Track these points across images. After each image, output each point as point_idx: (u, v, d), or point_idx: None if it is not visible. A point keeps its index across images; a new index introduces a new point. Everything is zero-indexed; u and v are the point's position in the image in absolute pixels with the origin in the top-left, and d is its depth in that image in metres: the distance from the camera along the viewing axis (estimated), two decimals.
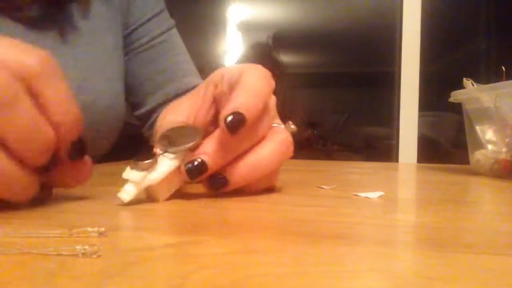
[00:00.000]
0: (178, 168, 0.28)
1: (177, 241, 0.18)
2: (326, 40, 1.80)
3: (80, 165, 0.26)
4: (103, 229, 0.18)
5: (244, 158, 0.29)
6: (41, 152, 0.23)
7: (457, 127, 1.45)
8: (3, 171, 0.22)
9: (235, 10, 1.86)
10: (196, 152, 0.28)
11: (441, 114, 1.60)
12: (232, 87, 0.31)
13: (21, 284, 0.13)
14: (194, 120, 0.33)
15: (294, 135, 0.33)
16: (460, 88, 0.59)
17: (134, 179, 0.26)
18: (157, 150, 0.28)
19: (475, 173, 0.56)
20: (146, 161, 0.27)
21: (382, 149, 1.67)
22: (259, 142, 0.30)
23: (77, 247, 0.15)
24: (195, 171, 0.28)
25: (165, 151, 0.28)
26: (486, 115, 0.55)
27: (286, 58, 1.80)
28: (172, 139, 0.29)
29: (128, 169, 0.27)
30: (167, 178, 0.28)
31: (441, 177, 0.52)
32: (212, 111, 0.34)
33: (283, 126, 0.32)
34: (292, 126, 0.33)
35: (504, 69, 0.55)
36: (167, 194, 0.28)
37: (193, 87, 0.38)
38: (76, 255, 0.15)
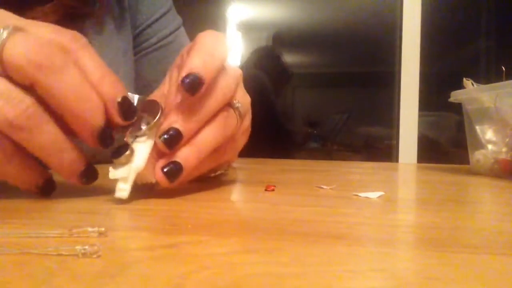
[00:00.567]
0: (156, 145, 0.28)
1: (177, 241, 0.18)
2: (326, 40, 1.80)
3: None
4: (103, 229, 0.18)
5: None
6: (94, 113, 0.26)
7: (457, 127, 1.46)
8: (55, 140, 0.25)
9: (235, 10, 1.86)
10: (167, 123, 0.28)
11: (441, 114, 1.60)
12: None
13: (21, 284, 0.13)
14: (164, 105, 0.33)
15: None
16: (460, 88, 0.59)
17: (122, 175, 0.26)
18: (127, 139, 0.28)
19: (475, 173, 0.56)
20: (124, 155, 0.27)
21: (382, 149, 1.68)
22: (224, 103, 0.30)
23: (77, 247, 0.15)
24: (172, 141, 0.27)
25: (136, 137, 0.28)
26: (486, 115, 0.55)
27: (286, 58, 1.80)
28: (141, 118, 0.29)
29: (111, 169, 0.27)
30: (150, 158, 0.28)
31: (441, 177, 0.52)
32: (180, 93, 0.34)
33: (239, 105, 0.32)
34: (235, 101, 0.32)
35: (504, 69, 0.55)
36: None
37: None
38: (76, 255, 0.15)
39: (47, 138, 0.25)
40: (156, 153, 0.28)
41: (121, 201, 0.26)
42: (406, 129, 1.48)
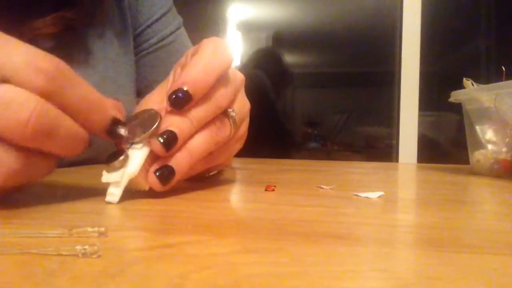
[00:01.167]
0: (151, 153, 0.28)
1: (177, 241, 0.18)
2: (326, 40, 1.80)
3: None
4: (103, 229, 0.18)
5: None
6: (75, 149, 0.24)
7: (457, 127, 1.45)
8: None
9: (235, 10, 1.86)
10: (163, 127, 0.28)
11: (441, 114, 1.60)
12: None
13: (21, 284, 0.13)
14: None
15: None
16: (460, 88, 0.59)
17: (114, 180, 0.26)
18: (124, 145, 0.28)
19: (475, 173, 0.56)
20: (119, 159, 0.27)
21: (382, 149, 1.67)
22: (224, 107, 0.30)
23: (77, 247, 0.15)
24: (168, 142, 0.28)
25: (132, 144, 0.28)
26: (486, 115, 0.55)
27: (286, 58, 1.80)
28: (139, 126, 0.29)
29: (104, 173, 0.27)
30: (144, 166, 0.28)
31: (441, 177, 0.52)
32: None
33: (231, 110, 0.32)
34: (230, 110, 0.32)
35: (504, 69, 0.55)
36: None
37: None
38: (76, 255, 0.15)
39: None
40: (151, 161, 0.29)
41: (121, 201, 0.26)
42: (406, 129, 1.48)
